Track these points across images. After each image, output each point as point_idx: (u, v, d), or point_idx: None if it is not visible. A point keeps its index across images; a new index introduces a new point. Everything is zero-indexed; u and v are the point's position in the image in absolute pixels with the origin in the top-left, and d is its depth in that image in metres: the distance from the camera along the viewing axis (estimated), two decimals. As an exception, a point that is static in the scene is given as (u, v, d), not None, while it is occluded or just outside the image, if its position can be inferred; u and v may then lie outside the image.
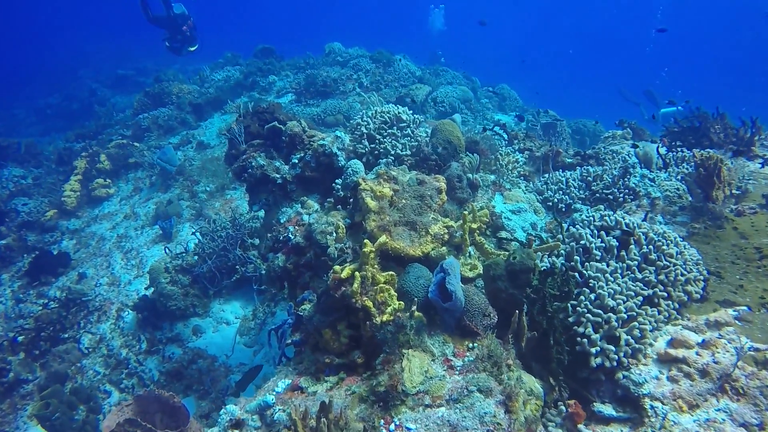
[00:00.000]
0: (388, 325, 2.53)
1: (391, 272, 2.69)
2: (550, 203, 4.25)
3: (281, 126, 4.59)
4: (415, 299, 2.69)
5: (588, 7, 50.49)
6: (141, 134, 10.67)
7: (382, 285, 2.60)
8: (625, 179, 4.06)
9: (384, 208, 3.19)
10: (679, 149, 4.88)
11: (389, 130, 4.27)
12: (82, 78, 21.49)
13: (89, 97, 18.10)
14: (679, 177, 4.07)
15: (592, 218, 3.11)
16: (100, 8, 41.05)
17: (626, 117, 6.89)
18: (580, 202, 4.18)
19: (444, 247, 3.16)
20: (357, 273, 2.53)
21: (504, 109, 12.80)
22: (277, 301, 6.05)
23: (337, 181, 4.05)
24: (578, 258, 2.83)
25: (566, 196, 4.20)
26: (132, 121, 11.26)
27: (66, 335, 6.48)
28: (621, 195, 3.99)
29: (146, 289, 6.41)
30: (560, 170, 4.68)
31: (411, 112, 4.42)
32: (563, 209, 4.19)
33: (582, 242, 2.92)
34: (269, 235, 3.84)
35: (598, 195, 4.14)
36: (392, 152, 4.16)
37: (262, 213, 4.94)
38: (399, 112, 4.35)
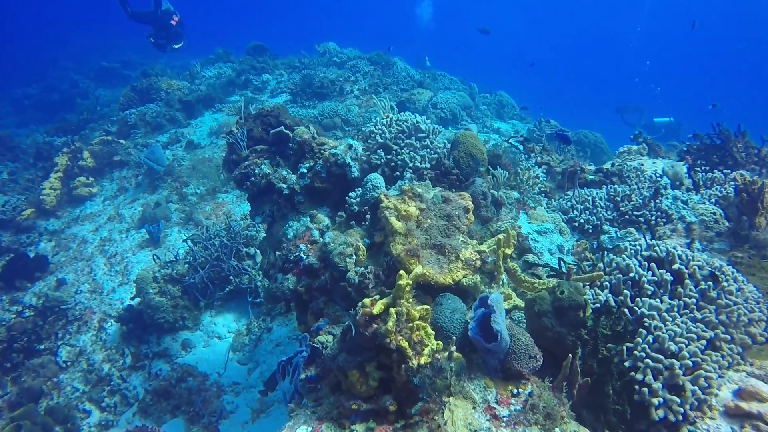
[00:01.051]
0: (425, 368, 2.23)
1: (425, 306, 2.39)
2: (576, 224, 4.00)
3: (288, 132, 4.26)
4: (453, 337, 2.40)
5: (575, 10, 51.05)
6: (127, 131, 10.17)
7: (417, 322, 2.29)
8: (657, 201, 3.84)
9: (412, 230, 2.89)
10: (702, 168, 4.69)
11: (407, 140, 3.97)
12: (64, 69, 20.72)
13: (71, 89, 17.41)
14: (712, 200, 3.86)
15: (639, 247, 2.85)
16: (84, -3, 39.88)
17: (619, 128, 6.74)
18: (608, 223, 3.94)
19: (476, 275, 2.87)
20: (392, 309, 2.22)
21: (502, 116, 12.61)
22: (274, 316, 5.70)
23: (350, 194, 3.74)
24: (628, 293, 2.57)
25: (593, 217, 3.95)
26: (118, 117, 10.75)
27: (42, 347, 6.02)
28: (653, 218, 3.76)
29: (132, 299, 5.99)
30: (583, 188, 4.44)
31: (429, 121, 4.13)
32: (590, 230, 3.94)
33: (631, 275, 2.66)
34: (278, 253, 3.50)
35: (627, 216, 3.90)
36: (410, 165, 3.86)
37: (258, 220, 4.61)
38: (417, 121, 4.05)
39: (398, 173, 3.87)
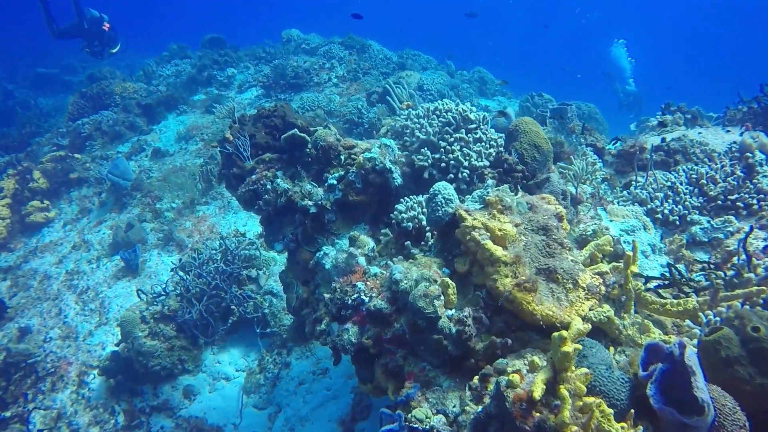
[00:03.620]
0: (613, 468, 1.56)
1: (584, 370, 1.70)
2: (659, 215, 3.40)
3: (303, 135, 3.46)
4: (631, 411, 1.73)
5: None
6: (81, 143, 8.96)
7: (587, 399, 1.61)
8: (755, 180, 3.27)
9: (520, 255, 2.18)
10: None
11: (456, 135, 3.24)
12: (-6, 79, 18.72)
13: (6, 100, 15.64)
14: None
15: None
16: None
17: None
18: (697, 212, 3.35)
19: (606, 306, 2.21)
20: (563, 391, 1.52)
21: (485, 93, 11.99)
22: (290, 348, 4.91)
23: (398, 206, 3.00)
24: (823, 315, 1.96)
25: (679, 206, 3.35)
26: (68, 128, 9.49)
27: (8, 414, 5.01)
28: (756, 201, 3.19)
29: (117, 344, 5.07)
30: (644, 170, 3.85)
31: (476, 108, 3.41)
32: (677, 222, 3.35)
33: (817, 290, 2.05)
34: (327, 296, 2.73)
35: (720, 202, 3.32)
36: (465, 164, 3.14)
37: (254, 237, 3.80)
38: (464, 110, 3.32)
39: (452, 175, 3.15)
